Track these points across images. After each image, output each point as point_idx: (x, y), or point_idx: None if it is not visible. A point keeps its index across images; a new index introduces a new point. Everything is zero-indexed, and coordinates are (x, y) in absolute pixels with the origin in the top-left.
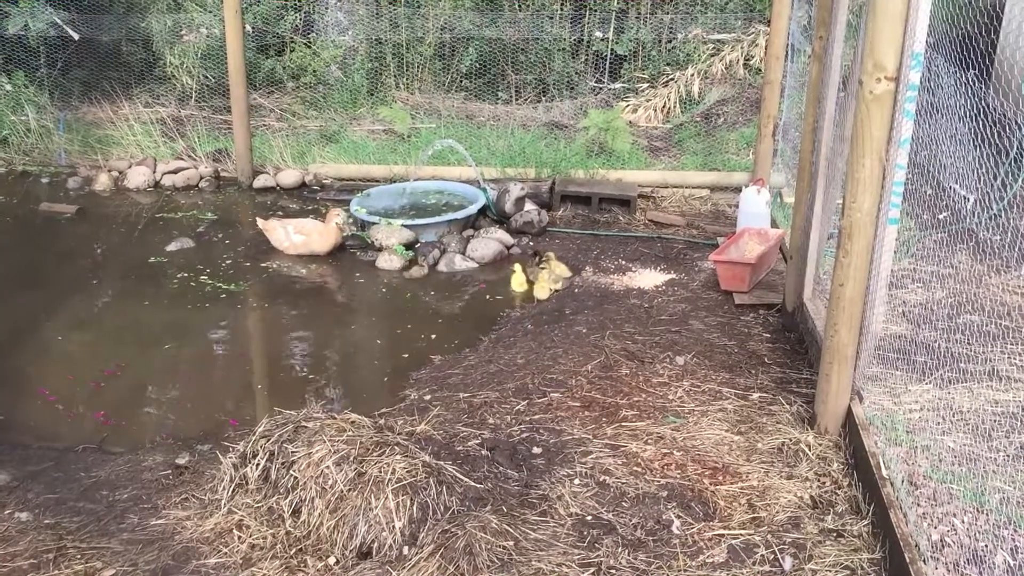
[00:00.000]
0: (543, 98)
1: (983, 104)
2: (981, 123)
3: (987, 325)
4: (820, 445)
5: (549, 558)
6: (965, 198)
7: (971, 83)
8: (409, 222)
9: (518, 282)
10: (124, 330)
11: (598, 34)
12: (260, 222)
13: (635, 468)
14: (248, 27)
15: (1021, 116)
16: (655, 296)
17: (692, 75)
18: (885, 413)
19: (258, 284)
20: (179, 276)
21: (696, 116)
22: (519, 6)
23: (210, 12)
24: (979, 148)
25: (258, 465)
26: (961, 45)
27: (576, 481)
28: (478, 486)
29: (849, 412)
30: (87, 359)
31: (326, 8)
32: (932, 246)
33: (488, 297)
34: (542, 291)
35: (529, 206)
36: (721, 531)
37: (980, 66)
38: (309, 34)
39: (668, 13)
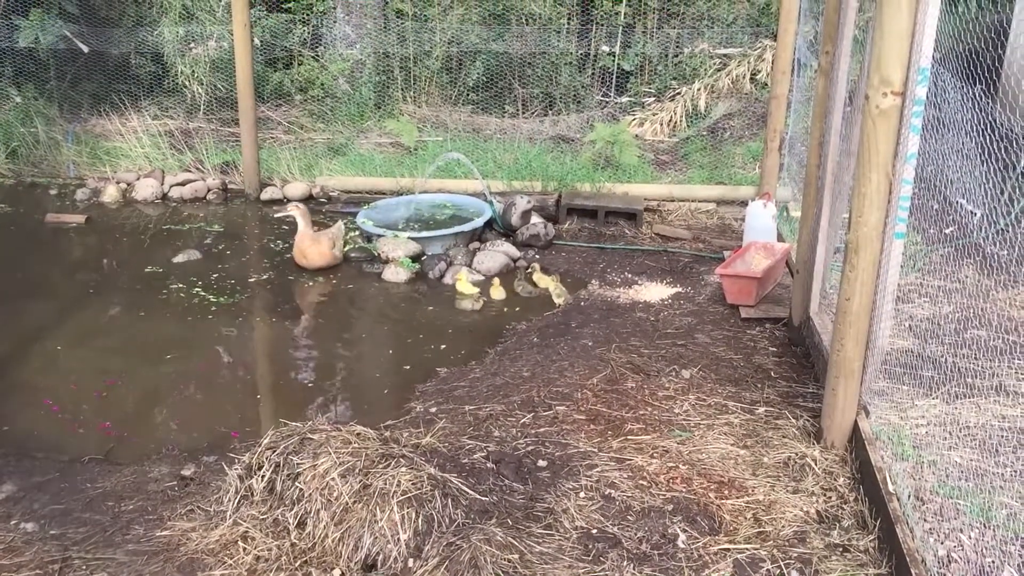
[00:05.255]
0: (550, 112)
1: (990, 119)
2: (988, 138)
3: (994, 340)
4: (826, 459)
5: (554, 571)
6: (972, 213)
7: (978, 98)
8: (415, 235)
9: (464, 287)
10: (129, 341)
11: (605, 48)
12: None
13: (641, 482)
14: (256, 40)
15: None
16: (661, 309)
17: (699, 89)
18: (892, 428)
19: (264, 296)
20: (185, 288)
21: (702, 130)
22: (526, 20)
23: (220, 24)
24: (986, 163)
25: (263, 477)
26: (967, 60)
27: (581, 494)
28: (483, 499)
29: (855, 426)
30: (92, 370)
31: (334, 22)
32: (939, 260)
33: (494, 310)
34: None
35: (535, 219)
36: (727, 545)
37: (987, 81)
38: (317, 47)
39: (675, 28)
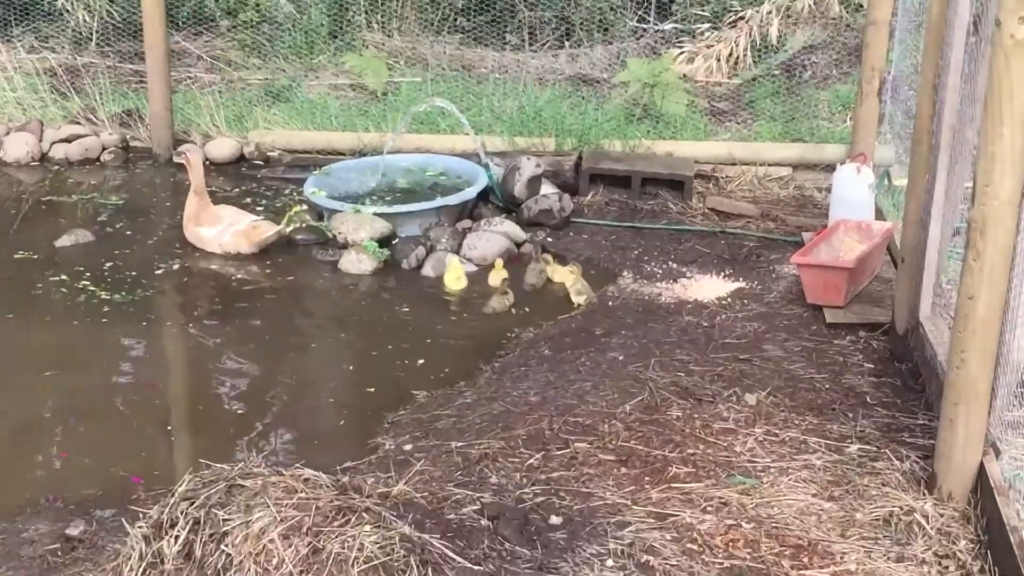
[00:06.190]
0: (566, 43)
1: None
2: None
3: None
4: (942, 515)
5: None
6: None
7: None
8: (384, 210)
9: (454, 277)
10: None
11: None
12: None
13: (689, 546)
14: None
15: None
16: (717, 312)
17: (769, 12)
18: None
19: (177, 292)
20: (70, 280)
21: (775, 68)
22: None
23: None
24: None
25: (177, 537)
26: None
27: (609, 562)
28: (476, 568)
29: (981, 470)
30: None
31: None
32: None
33: (491, 312)
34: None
35: (547, 189)
36: None
37: None
38: None
39: None
